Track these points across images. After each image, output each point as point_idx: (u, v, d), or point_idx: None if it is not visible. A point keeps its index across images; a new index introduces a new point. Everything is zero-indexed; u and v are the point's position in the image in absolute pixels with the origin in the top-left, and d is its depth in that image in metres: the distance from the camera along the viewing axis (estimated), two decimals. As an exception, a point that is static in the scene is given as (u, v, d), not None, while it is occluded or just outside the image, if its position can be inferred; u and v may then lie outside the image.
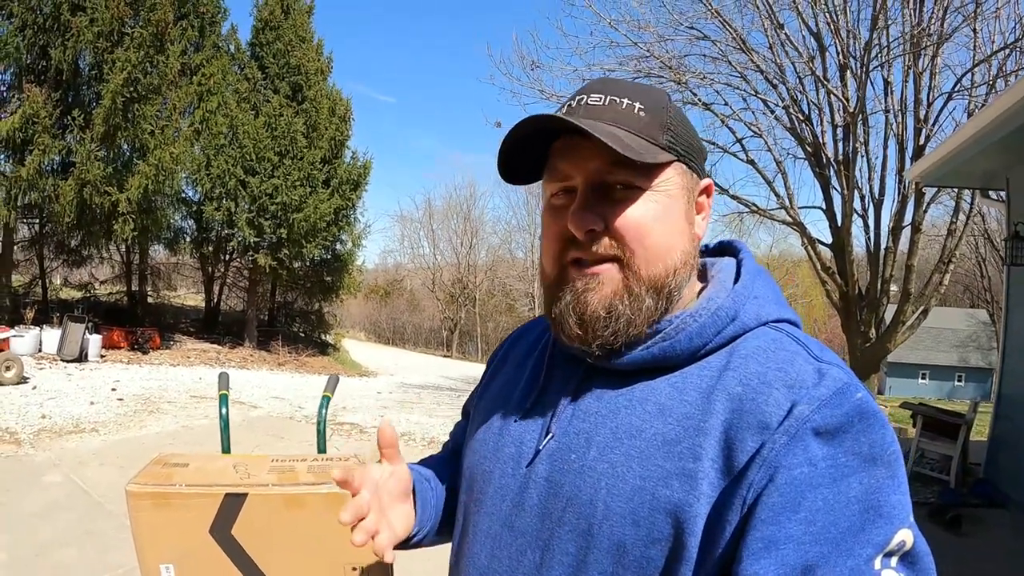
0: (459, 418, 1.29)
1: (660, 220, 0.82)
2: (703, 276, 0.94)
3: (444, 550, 1.09)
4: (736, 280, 0.89)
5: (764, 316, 0.84)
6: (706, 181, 0.90)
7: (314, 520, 1.70)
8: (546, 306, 0.89)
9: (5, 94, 14.76)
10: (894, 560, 0.68)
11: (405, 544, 1.02)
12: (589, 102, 0.84)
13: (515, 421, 0.93)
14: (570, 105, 0.86)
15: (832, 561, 0.66)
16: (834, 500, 0.68)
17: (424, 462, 1.24)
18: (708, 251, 1.01)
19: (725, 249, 1.00)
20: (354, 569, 1.73)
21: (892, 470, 0.70)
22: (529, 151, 0.88)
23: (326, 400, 2.10)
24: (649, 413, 0.80)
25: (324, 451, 2.05)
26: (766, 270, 0.92)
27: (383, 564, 1.73)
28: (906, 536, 0.68)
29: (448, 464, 1.19)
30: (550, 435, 0.86)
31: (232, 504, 1.67)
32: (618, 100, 0.83)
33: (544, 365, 0.96)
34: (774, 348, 0.80)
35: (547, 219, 0.87)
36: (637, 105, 0.82)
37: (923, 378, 40.99)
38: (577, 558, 0.79)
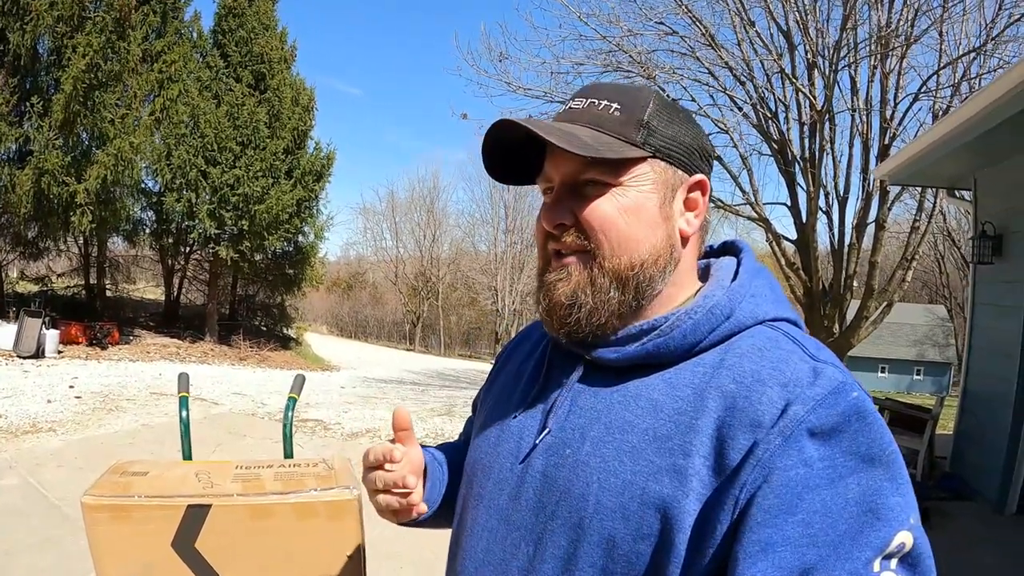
0: (458, 417, 1.32)
1: (626, 214, 0.84)
2: (705, 275, 0.95)
3: (443, 543, 1.11)
4: (735, 279, 0.90)
5: (760, 314, 0.84)
6: (697, 177, 0.90)
7: (282, 531, 1.62)
8: (535, 295, 0.93)
9: (-41, 79, 14.34)
10: (893, 562, 0.67)
11: (409, 522, 1.10)
12: (572, 106, 0.90)
13: (515, 417, 0.95)
14: (559, 112, 0.91)
15: (830, 564, 0.66)
16: (831, 502, 0.68)
17: (441, 445, 1.29)
18: (712, 251, 1.02)
19: (728, 249, 1.01)
20: (324, 581, 1.65)
21: (891, 471, 0.70)
22: (527, 154, 0.91)
23: (292, 402, 2.02)
24: (642, 409, 0.81)
25: (291, 455, 1.97)
26: (767, 269, 0.93)
27: (356, 575, 1.66)
28: (906, 538, 0.68)
29: (459, 452, 1.19)
30: (547, 430, 0.88)
31: (195, 516, 1.59)
32: (597, 102, 0.87)
33: (544, 362, 0.98)
34: (769, 346, 0.80)
35: (539, 214, 0.91)
36: (614, 106, 0.86)
37: (883, 372, 41.82)
38: (568, 551, 0.80)
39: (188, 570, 1.62)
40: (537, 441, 0.89)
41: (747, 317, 0.83)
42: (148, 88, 16.71)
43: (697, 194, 0.90)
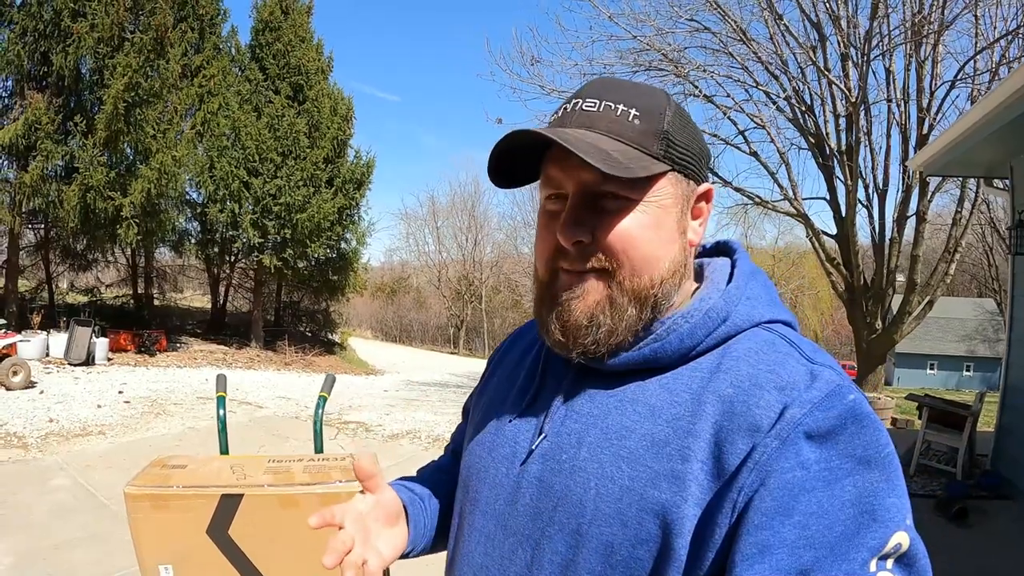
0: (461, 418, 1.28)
1: (649, 232, 0.81)
2: (699, 276, 0.93)
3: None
4: (730, 281, 0.89)
5: (757, 317, 0.83)
6: (705, 186, 0.88)
7: (309, 519, 1.70)
8: (535, 307, 0.90)
9: (7, 101, 14.83)
10: (889, 563, 0.67)
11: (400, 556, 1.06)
12: (584, 107, 0.83)
13: (510, 421, 0.94)
14: (565, 109, 0.85)
15: (827, 566, 0.65)
16: (828, 504, 0.67)
17: (420, 472, 1.26)
18: (705, 251, 1.00)
19: (721, 249, 0.99)
20: (353, 565, 1.72)
21: (886, 472, 0.69)
22: (524, 154, 0.87)
23: (322, 400, 2.10)
24: (639, 414, 0.80)
25: (321, 450, 2.04)
26: (761, 270, 0.92)
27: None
28: (902, 539, 0.68)
29: (446, 472, 1.20)
30: (543, 435, 0.87)
31: (228, 505, 1.67)
32: (613, 106, 0.82)
33: (539, 365, 0.96)
34: (766, 350, 0.79)
35: (541, 222, 0.87)
36: (632, 112, 0.81)
37: (931, 368, 40.93)
38: (567, 557, 0.79)
39: (221, 555, 1.72)
40: (533, 446, 0.87)
41: (743, 320, 0.83)
42: (189, 102, 17.07)
43: (703, 203, 0.88)
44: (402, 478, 1.20)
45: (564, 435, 0.84)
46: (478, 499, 0.93)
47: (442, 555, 1.08)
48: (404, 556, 1.08)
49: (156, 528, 1.70)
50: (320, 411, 2.04)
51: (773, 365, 0.76)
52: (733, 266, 0.92)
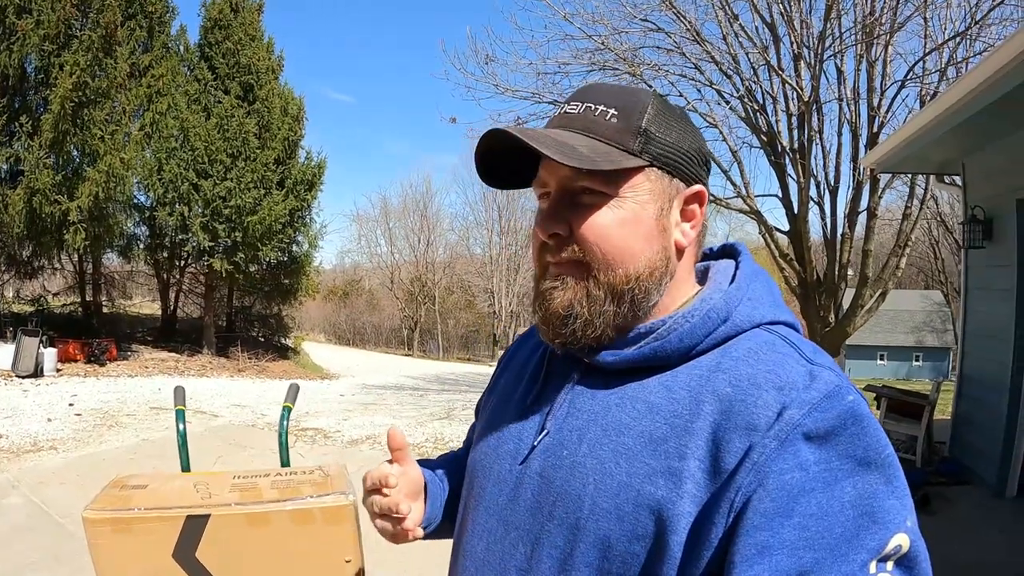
0: (457, 420, 1.35)
1: (623, 227, 0.83)
2: (704, 279, 0.95)
3: (445, 545, 1.12)
4: (733, 282, 0.90)
5: (757, 318, 0.85)
6: (695, 188, 0.89)
7: (280, 538, 1.64)
8: (532, 302, 0.93)
9: (-52, 100, 14.31)
10: (890, 564, 0.68)
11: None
12: (567, 110, 0.87)
13: (515, 419, 0.96)
14: (555, 113, 0.90)
15: (826, 567, 0.66)
16: (828, 505, 0.68)
17: (440, 458, 1.31)
18: (711, 254, 1.02)
19: (727, 251, 1.01)
20: (323, 585, 1.67)
21: (886, 474, 0.70)
22: (514, 157, 0.88)
23: (287, 411, 2.04)
24: (639, 411, 0.81)
25: (288, 464, 1.98)
26: (764, 272, 0.92)
27: None
28: (902, 540, 0.68)
29: (459, 462, 1.21)
30: (545, 432, 0.89)
31: (194, 526, 1.60)
32: (593, 107, 0.85)
33: (544, 364, 0.99)
34: (765, 350, 0.80)
35: (535, 220, 0.90)
36: (611, 111, 0.84)
37: (881, 359, 41.86)
38: (565, 551, 0.80)
39: (190, 579, 1.64)
40: (535, 442, 0.89)
41: (744, 320, 0.84)
42: (137, 103, 16.73)
43: (695, 206, 0.89)
44: (420, 460, 1.20)
45: (566, 431, 0.87)
46: (482, 494, 0.96)
47: (445, 550, 1.09)
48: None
49: (119, 553, 1.62)
50: (285, 423, 1.98)
51: (772, 365, 0.77)
52: (737, 268, 0.94)
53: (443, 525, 1.16)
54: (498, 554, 0.89)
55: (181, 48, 20.65)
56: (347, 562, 1.69)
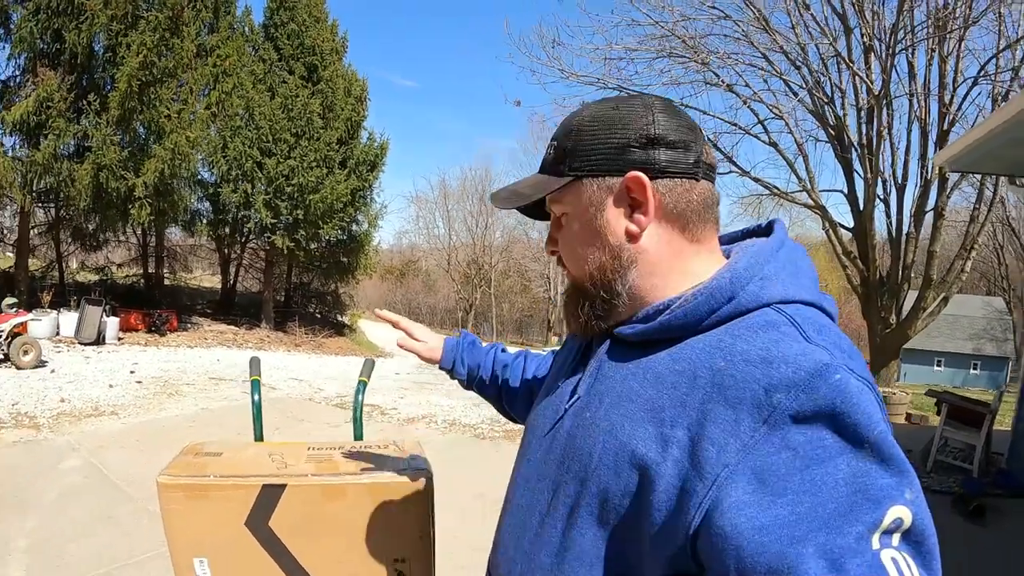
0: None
1: (572, 237, 0.98)
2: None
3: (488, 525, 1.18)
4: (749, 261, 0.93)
5: (766, 297, 0.86)
6: (622, 177, 0.91)
7: (355, 511, 1.65)
8: None
9: (20, 78, 14.67)
10: (895, 538, 0.67)
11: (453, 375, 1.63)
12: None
13: (559, 386, 1.07)
14: None
15: (820, 538, 0.66)
16: (821, 482, 0.69)
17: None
18: (759, 230, 1.05)
19: (768, 228, 1.03)
20: (397, 560, 1.68)
21: (879, 450, 0.70)
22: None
23: (362, 385, 2.05)
24: (648, 380, 0.87)
25: (361, 438, 1.99)
26: (794, 249, 0.95)
27: (427, 555, 1.69)
28: (902, 512, 0.67)
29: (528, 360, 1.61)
30: (576, 396, 0.98)
31: (269, 495, 1.63)
32: (548, 143, 1.00)
33: (586, 340, 1.08)
34: (767, 328, 0.81)
35: None
36: (553, 144, 0.98)
37: (938, 365, 40.80)
38: (575, 499, 0.90)
39: (260, 548, 1.66)
40: (568, 405, 0.99)
41: (750, 300, 0.85)
42: (203, 82, 16.93)
43: (637, 193, 0.90)
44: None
45: (591, 396, 0.95)
46: (527, 448, 1.08)
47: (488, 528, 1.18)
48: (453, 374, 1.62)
49: (191, 519, 1.65)
50: (360, 396, 1.98)
51: (767, 343, 0.79)
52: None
53: (472, 377, 1.61)
54: (529, 500, 1.00)
55: (246, 29, 20.93)
56: (420, 537, 1.70)
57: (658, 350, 0.89)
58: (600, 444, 0.87)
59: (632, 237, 0.92)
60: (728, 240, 1.03)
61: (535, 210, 1.07)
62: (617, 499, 0.84)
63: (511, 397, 1.56)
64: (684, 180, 0.91)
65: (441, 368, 1.60)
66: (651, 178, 0.89)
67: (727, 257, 0.96)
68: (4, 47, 14.34)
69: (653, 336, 0.90)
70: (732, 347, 0.81)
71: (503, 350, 1.65)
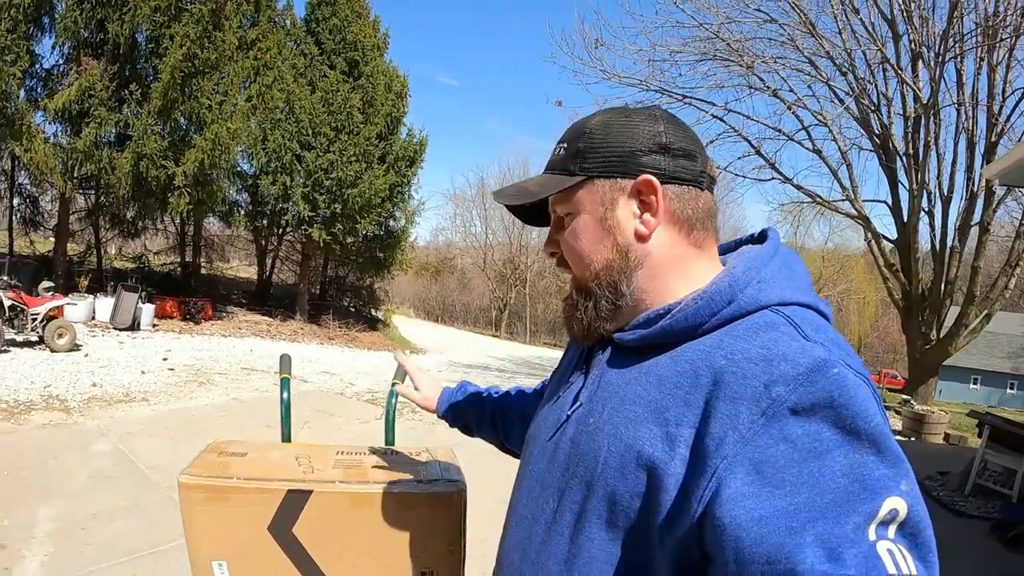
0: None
1: (578, 236, 0.98)
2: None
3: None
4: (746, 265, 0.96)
5: (764, 300, 0.88)
6: (633, 181, 0.94)
7: (383, 521, 1.59)
8: None
9: (63, 67, 14.92)
10: (891, 530, 0.68)
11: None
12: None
13: (560, 395, 1.07)
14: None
15: (817, 527, 0.67)
16: (818, 474, 0.70)
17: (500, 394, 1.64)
18: (751, 239, 1.07)
19: (761, 237, 1.06)
20: (425, 573, 1.61)
21: (876, 443, 0.71)
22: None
23: (395, 388, 1.98)
24: (650, 383, 0.89)
25: (392, 443, 1.93)
26: (787, 255, 0.98)
27: (456, 568, 1.61)
28: (897, 504, 0.68)
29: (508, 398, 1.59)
30: (578, 404, 0.99)
31: (294, 501, 1.56)
32: (556, 146, 1.01)
33: (586, 349, 1.08)
34: (766, 328, 0.83)
35: None
36: (563, 145, 0.99)
37: (975, 383, 39.92)
38: (582, 505, 0.90)
39: (283, 554, 1.59)
40: (570, 413, 1.00)
41: (749, 303, 0.87)
42: (244, 75, 17.07)
43: (650, 195, 0.94)
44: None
45: (594, 402, 0.96)
46: (529, 459, 1.08)
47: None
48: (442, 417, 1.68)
49: (212, 521, 1.57)
50: (393, 400, 1.92)
51: (767, 342, 0.81)
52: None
53: (465, 426, 1.65)
54: (533, 509, 1.00)
55: (287, 23, 21.06)
56: (450, 551, 1.62)
57: (657, 354, 0.91)
58: (605, 447, 0.89)
59: (640, 238, 0.95)
60: (723, 251, 1.05)
61: (530, 215, 1.11)
62: (625, 501, 0.85)
63: (507, 430, 1.56)
64: (691, 187, 0.95)
65: (439, 416, 1.68)
66: (661, 183, 0.93)
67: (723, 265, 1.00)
68: (49, 36, 14.56)
69: (654, 340, 0.92)
70: (733, 346, 0.83)
71: (496, 392, 1.65)
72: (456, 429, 1.68)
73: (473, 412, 1.61)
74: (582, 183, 0.96)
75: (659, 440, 0.83)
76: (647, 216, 0.94)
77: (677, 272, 0.96)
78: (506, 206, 1.05)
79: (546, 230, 1.08)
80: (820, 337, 0.81)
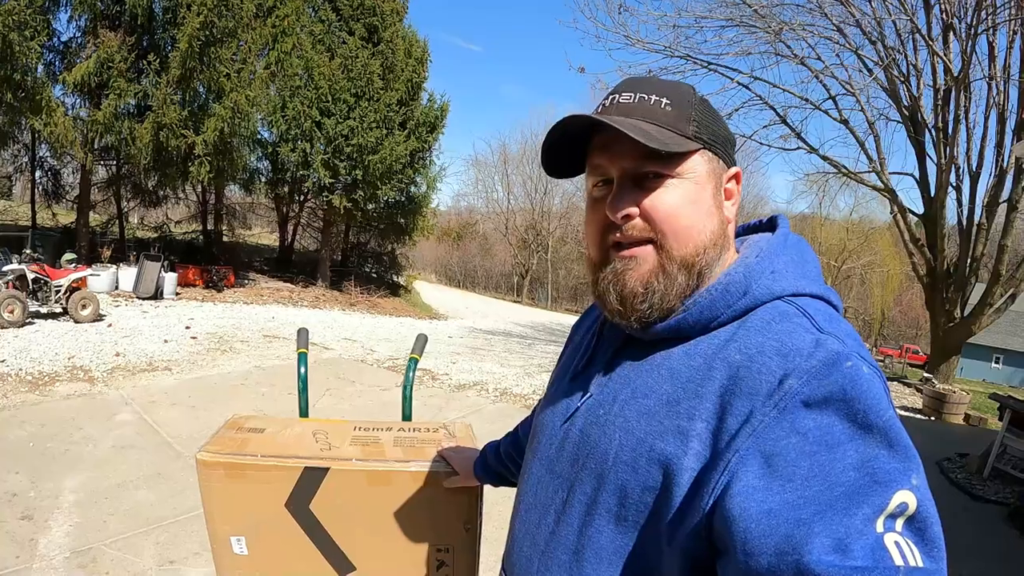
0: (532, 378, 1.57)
1: (688, 204, 0.90)
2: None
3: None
4: (759, 256, 0.95)
5: (777, 291, 0.88)
6: (734, 169, 0.97)
7: (400, 499, 1.58)
8: (592, 286, 0.99)
9: (81, 40, 14.92)
10: (899, 523, 0.67)
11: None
12: (620, 100, 0.94)
13: (569, 384, 1.07)
14: (604, 105, 0.96)
15: (827, 519, 0.67)
16: (830, 467, 0.70)
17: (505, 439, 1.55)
18: (759, 226, 1.09)
19: (771, 224, 1.07)
20: (440, 550, 1.60)
21: (888, 437, 0.71)
22: (571, 148, 0.98)
23: (414, 362, 1.97)
24: (662, 376, 0.89)
25: (409, 418, 1.92)
26: (797, 245, 0.98)
27: (471, 546, 1.60)
28: (907, 498, 0.68)
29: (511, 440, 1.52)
30: (588, 394, 0.99)
31: (312, 478, 1.57)
32: (647, 97, 0.93)
33: (595, 336, 1.09)
34: (779, 320, 0.84)
35: (589, 209, 0.98)
36: (664, 100, 0.92)
37: (996, 363, 39.32)
38: (591, 497, 0.91)
39: (300, 530, 1.60)
40: (580, 403, 1.00)
41: (763, 293, 0.88)
42: (262, 42, 17.01)
43: (733, 184, 0.97)
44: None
45: (604, 394, 0.96)
46: (537, 448, 1.07)
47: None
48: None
49: (230, 497, 1.57)
50: (411, 374, 1.91)
51: (781, 334, 0.81)
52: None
53: (501, 477, 1.51)
54: (543, 498, 1.00)
55: (305, -11, 20.86)
56: (467, 529, 1.61)
57: (670, 346, 0.92)
58: (617, 441, 0.89)
59: (729, 223, 0.96)
60: None
61: (561, 160, 1.01)
62: (636, 495, 0.85)
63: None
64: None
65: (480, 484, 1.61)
66: None
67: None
68: (65, 10, 14.54)
69: (668, 334, 0.92)
70: (747, 339, 0.83)
71: (506, 437, 1.57)
72: (499, 468, 1.53)
73: (494, 464, 1.52)
74: (698, 150, 0.92)
75: (671, 434, 0.83)
76: (728, 204, 0.96)
77: (722, 261, 0.95)
78: (546, 152, 0.98)
79: (567, 192, 1.02)
80: (834, 329, 0.81)
